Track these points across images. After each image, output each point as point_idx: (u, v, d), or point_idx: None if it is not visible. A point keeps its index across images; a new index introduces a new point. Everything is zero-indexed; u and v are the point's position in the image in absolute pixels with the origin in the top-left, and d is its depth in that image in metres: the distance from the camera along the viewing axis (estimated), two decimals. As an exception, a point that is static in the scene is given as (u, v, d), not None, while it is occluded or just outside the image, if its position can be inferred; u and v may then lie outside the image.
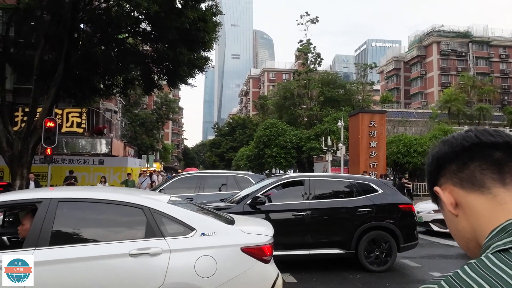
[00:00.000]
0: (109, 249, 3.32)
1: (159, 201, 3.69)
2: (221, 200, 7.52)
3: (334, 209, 6.81)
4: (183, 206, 3.85)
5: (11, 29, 15.74)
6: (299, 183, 7.13)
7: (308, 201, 6.77)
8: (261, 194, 6.61)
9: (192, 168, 44.77)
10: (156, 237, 3.37)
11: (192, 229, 3.46)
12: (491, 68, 63.13)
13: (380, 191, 7.04)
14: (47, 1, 13.25)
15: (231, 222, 3.87)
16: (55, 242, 3.29)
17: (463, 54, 63.79)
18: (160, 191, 9.39)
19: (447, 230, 7.62)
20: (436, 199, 0.81)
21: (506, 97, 61.91)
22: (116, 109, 31.91)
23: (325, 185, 7.25)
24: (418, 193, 23.51)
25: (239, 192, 7.74)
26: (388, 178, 19.70)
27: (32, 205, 3.59)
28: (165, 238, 3.37)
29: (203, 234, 3.47)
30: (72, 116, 21.78)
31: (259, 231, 3.87)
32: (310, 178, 7.11)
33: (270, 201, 6.76)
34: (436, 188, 0.79)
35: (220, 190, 9.47)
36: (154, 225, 3.42)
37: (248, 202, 6.50)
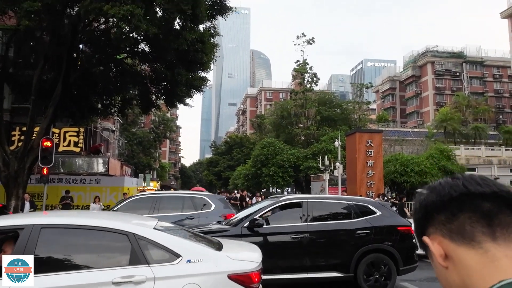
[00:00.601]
0: (92, 277, 3.25)
1: (145, 227, 3.63)
2: (218, 222, 7.47)
3: (332, 232, 6.76)
4: (170, 232, 3.78)
5: (10, 49, 15.87)
6: (297, 205, 7.09)
7: (306, 223, 6.73)
8: (259, 217, 6.57)
9: (198, 188, 44.01)
10: (140, 264, 3.31)
11: (177, 255, 3.40)
12: (485, 88, 63.96)
13: (378, 213, 7.02)
14: (47, 23, 13.40)
15: (219, 247, 3.81)
16: (37, 270, 3.20)
17: (457, 74, 64.72)
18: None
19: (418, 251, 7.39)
20: (425, 247, 0.80)
21: (501, 116, 62.52)
22: (114, 128, 31.93)
23: (323, 206, 7.23)
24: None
25: (191, 214, 7.85)
26: (386, 198, 19.66)
27: (14, 232, 3.49)
28: (150, 265, 3.30)
29: (189, 261, 3.40)
30: (70, 135, 21.77)
31: (247, 257, 3.81)
32: (308, 200, 7.08)
33: (268, 223, 6.72)
34: (425, 239, 0.78)
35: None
36: (138, 251, 3.35)
37: (246, 225, 6.45)
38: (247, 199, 24.65)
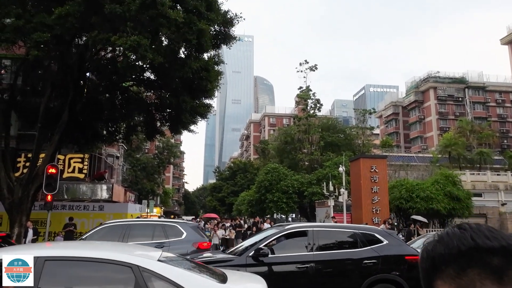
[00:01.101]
0: None
1: (149, 259, 3.61)
2: (223, 251, 7.38)
3: (339, 261, 6.65)
4: (173, 263, 3.76)
5: (18, 78, 16.19)
6: (303, 233, 7.01)
7: (312, 253, 6.63)
8: (264, 246, 6.49)
9: (210, 214, 41.57)
10: None
11: None
12: (488, 113, 64.08)
13: (385, 241, 6.91)
14: (55, 52, 13.71)
15: (223, 279, 3.78)
16: None
17: (460, 99, 65.04)
18: (84, 239, 9.34)
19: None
20: None
21: (505, 141, 62.30)
22: (118, 155, 32.09)
23: (329, 235, 7.13)
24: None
25: (161, 242, 7.82)
26: (391, 225, 19.38)
27: None
28: None
29: None
30: (74, 162, 21.87)
31: None
32: (314, 229, 7.00)
33: (273, 252, 6.62)
34: None
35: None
36: (142, 284, 3.33)
37: (250, 254, 6.37)
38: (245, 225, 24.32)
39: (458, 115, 61.91)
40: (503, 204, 34.48)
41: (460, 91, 65.43)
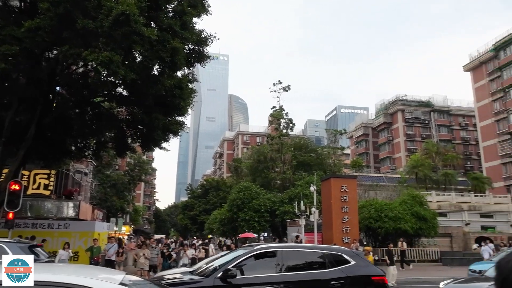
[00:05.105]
0: None
1: (110, 282, 3.50)
2: (191, 272, 7.27)
3: (307, 282, 6.66)
4: (137, 287, 3.66)
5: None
6: (272, 254, 7.01)
7: (280, 274, 6.63)
8: (232, 267, 6.44)
9: (248, 234, 37.53)
10: None
11: None
12: (453, 135, 66.81)
13: (353, 262, 7.01)
14: (24, 65, 13.38)
15: None
16: None
17: (426, 121, 67.63)
18: None
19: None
20: None
21: (468, 163, 64.91)
22: (87, 171, 31.20)
23: (297, 256, 7.16)
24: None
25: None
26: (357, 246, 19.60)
27: None
28: None
29: None
30: (40, 178, 21.09)
31: None
32: (283, 249, 7.03)
33: (242, 273, 6.58)
34: None
35: None
36: None
37: (218, 275, 6.30)
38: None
39: (424, 137, 64.20)
40: (467, 224, 35.65)
41: (426, 114, 68.09)
